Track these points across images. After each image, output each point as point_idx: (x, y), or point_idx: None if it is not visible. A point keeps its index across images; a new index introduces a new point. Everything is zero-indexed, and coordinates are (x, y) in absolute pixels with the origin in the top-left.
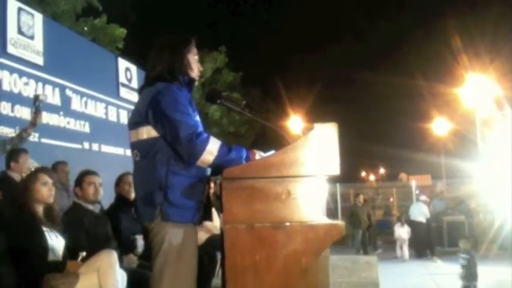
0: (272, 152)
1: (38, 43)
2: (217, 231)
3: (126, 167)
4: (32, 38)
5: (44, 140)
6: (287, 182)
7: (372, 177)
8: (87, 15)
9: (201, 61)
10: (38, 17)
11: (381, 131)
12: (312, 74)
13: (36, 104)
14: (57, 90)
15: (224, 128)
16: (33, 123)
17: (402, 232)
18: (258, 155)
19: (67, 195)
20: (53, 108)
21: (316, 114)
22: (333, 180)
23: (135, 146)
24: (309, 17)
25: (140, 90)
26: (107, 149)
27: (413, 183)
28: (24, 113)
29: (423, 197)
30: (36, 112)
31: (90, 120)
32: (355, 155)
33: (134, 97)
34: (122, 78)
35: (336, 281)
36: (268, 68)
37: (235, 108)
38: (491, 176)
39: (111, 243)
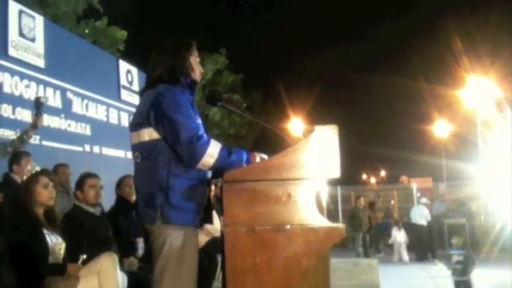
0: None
1: (39, 45)
2: (217, 233)
3: (127, 169)
4: (33, 40)
5: (45, 143)
6: (287, 185)
7: (372, 180)
8: (88, 18)
9: (202, 63)
10: (39, 20)
11: (381, 133)
12: (312, 76)
13: (37, 107)
14: (58, 92)
15: (225, 130)
16: (34, 126)
17: (399, 236)
18: (259, 157)
19: (68, 198)
20: (54, 111)
21: (317, 116)
22: (334, 182)
23: (137, 147)
24: (310, 19)
25: (141, 93)
26: (107, 151)
27: (414, 185)
28: (25, 115)
29: (424, 200)
30: (37, 114)
31: (91, 122)
32: (356, 157)
33: (135, 99)
34: (123, 81)
35: (336, 283)
36: (269, 69)
37: (236, 110)
38: (492, 178)
39: (111, 246)
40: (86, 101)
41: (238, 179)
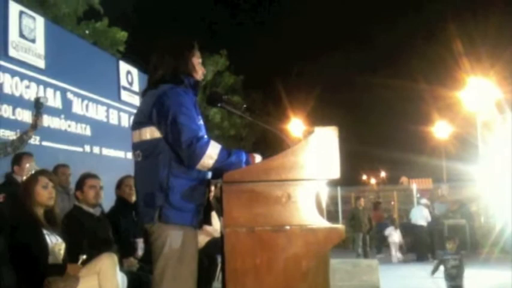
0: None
1: (40, 46)
2: (217, 234)
3: (127, 170)
4: (33, 41)
5: (45, 143)
6: (287, 186)
7: (373, 181)
8: (89, 18)
9: (202, 64)
10: (40, 20)
11: (382, 134)
12: (313, 77)
13: (37, 107)
14: (58, 93)
15: (225, 131)
16: (34, 126)
17: (395, 236)
18: (258, 158)
19: (68, 198)
20: (54, 111)
21: (317, 118)
22: (334, 183)
23: (138, 146)
24: (310, 21)
25: (143, 93)
26: (107, 152)
27: (415, 186)
28: (25, 116)
29: (424, 201)
30: (37, 115)
31: (91, 123)
32: (356, 158)
33: (135, 100)
34: (123, 82)
35: (336, 284)
36: (269, 71)
37: (236, 111)
38: (492, 179)
39: (111, 246)
40: (86, 102)
41: (238, 180)
